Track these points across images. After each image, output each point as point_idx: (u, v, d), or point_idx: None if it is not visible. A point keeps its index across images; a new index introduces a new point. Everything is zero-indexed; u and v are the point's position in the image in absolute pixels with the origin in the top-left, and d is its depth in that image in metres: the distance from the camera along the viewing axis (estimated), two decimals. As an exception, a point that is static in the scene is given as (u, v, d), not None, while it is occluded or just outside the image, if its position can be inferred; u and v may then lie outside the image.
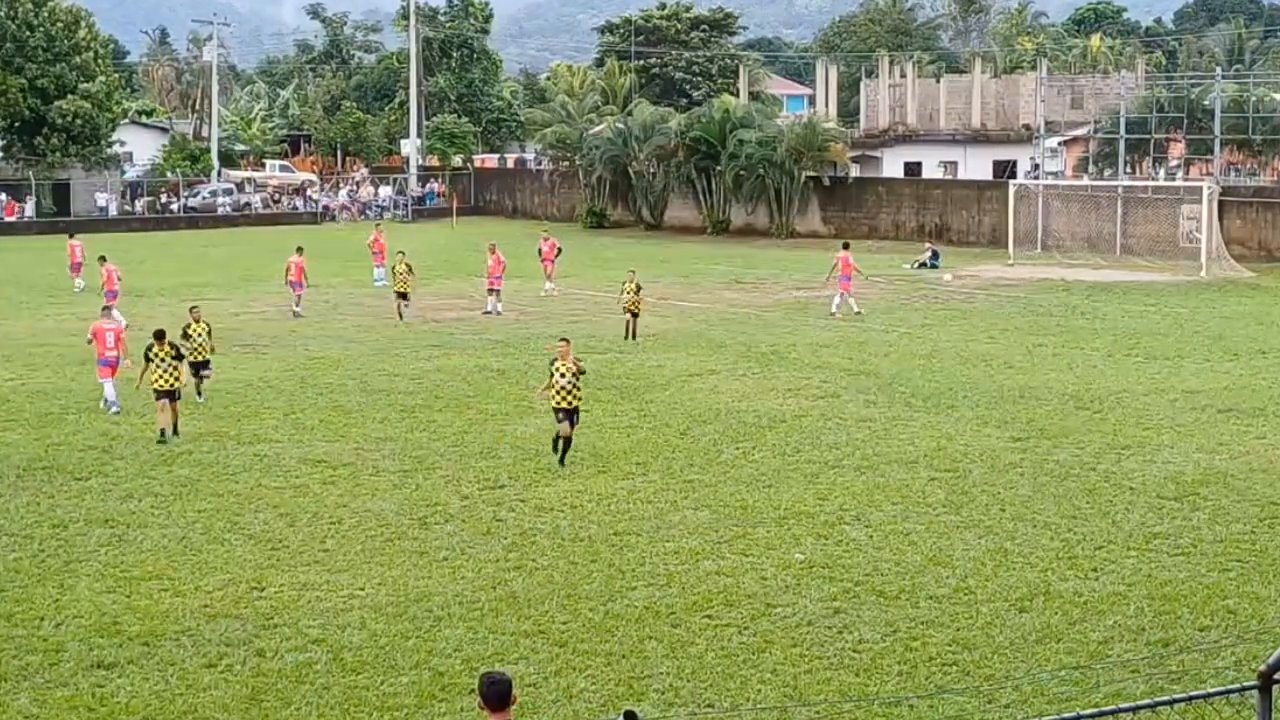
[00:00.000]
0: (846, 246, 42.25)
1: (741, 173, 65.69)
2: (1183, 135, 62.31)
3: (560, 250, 44.95)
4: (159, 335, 24.00)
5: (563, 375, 21.13)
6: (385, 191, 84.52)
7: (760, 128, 66.11)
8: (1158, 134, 62.49)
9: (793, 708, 12.62)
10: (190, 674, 13.43)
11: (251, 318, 38.73)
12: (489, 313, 39.10)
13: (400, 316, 37.21)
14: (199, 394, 26.17)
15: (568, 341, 22.22)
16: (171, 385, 23.44)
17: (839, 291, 39.18)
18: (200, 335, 26.40)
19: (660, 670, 13.46)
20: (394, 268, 38.83)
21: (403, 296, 37.81)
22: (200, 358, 26.21)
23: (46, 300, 42.17)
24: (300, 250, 41.15)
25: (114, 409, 25.21)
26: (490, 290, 39.75)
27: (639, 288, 34.31)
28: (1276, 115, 62.64)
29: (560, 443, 21.31)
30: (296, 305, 39.61)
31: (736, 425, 24.11)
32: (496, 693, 8.29)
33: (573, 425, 21.32)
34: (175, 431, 23.40)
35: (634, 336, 33.67)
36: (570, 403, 21.24)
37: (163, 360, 23.49)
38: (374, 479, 20.66)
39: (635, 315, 34.18)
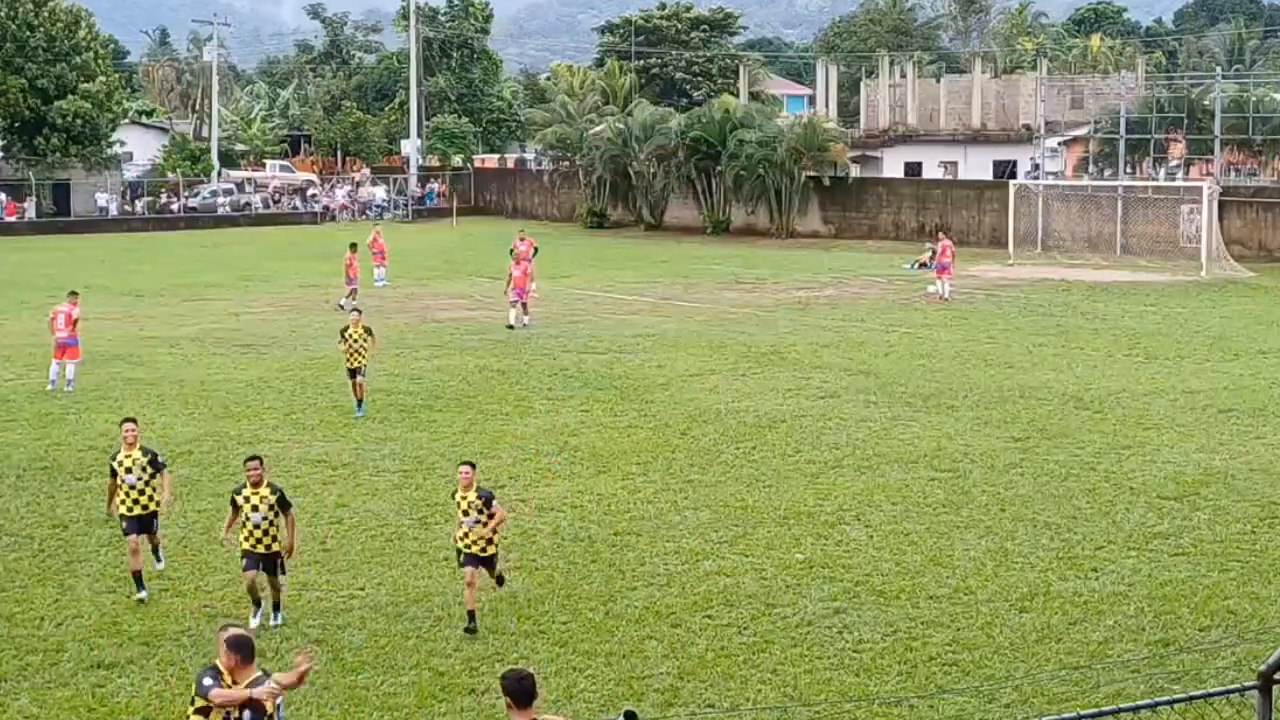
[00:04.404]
0: (946, 232, 43.21)
1: (741, 173, 65.67)
2: (1183, 135, 62.32)
3: (537, 249, 44.83)
4: None
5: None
6: (379, 191, 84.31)
7: (760, 128, 66.09)
8: (1158, 134, 62.48)
9: (793, 708, 12.62)
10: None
11: (251, 318, 38.73)
12: (512, 327, 35.67)
13: (359, 404, 25.39)
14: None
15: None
16: None
17: (939, 278, 41.60)
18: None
19: (660, 670, 13.46)
20: (345, 331, 25.85)
21: (354, 374, 25.55)
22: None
23: (47, 300, 42.09)
24: (354, 247, 41.69)
25: (67, 388, 26.90)
26: (514, 302, 36.31)
27: (493, 518, 14.66)
28: (1276, 115, 62.64)
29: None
30: (343, 299, 39.94)
31: (736, 425, 24.11)
32: (525, 689, 8.32)
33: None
34: None
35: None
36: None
37: None
38: (374, 479, 20.66)
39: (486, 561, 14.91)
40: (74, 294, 29.38)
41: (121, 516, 15.86)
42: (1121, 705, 8.09)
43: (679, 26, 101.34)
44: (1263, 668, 7.01)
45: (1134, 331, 35.06)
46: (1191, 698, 7.46)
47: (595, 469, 21.15)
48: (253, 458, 15.19)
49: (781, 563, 16.59)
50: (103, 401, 26.25)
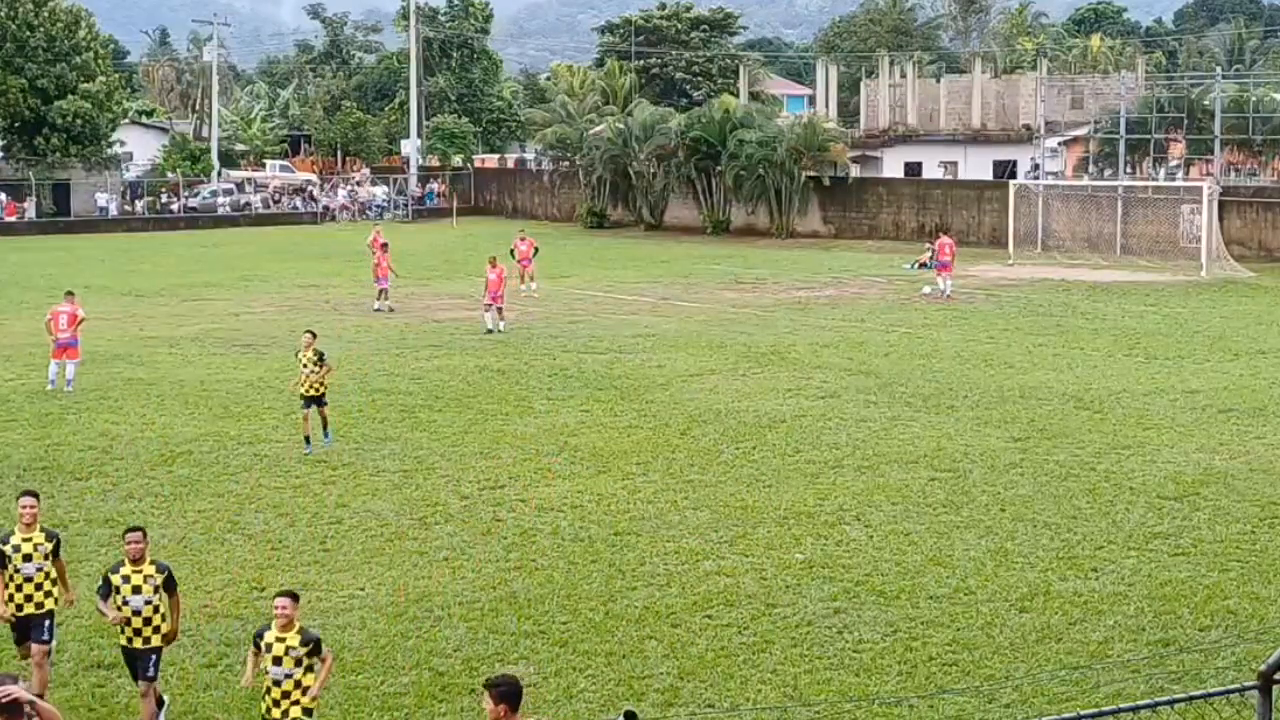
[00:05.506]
0: (946, 232, 43.52)
1: (741, 173, 65.68)
2: (1183, 135, 62.34)
3: (538, 250, 44.79)
4: None
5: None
6: (378, 191, 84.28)
7: (760, 128, 66.09)
8: (1158, 134, 62.49)
9: (793, 708, 12.62)
10: (190, 674, 13.42)
11: (251, 318, 38.73)
12: (490, 332, 35.06)
13: (316, 435, 22.55)
14: None
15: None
16: None
17: (940, 275, 42.50)
18: None
19: (660, 670, 13.46)
20: (297, 354, 23.49)
21: (314, 402, 22.51)
22: None
23: (47, 300, 42.05)
24: (385, 247, 41.83)
25: (67, 388, 27.08)
26: (488, 306, 35.77)
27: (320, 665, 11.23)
28: (1276, 115, 62.66)
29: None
30: (377, 302, 39.92)
31: (736, 425, 24.10)
32: (519, 691, 8.58)
33: None
34: None
35: None
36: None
37: None
38: (374, 479, 20.65)
39: None
40: (70, 293, 29.40)
41: (13, 618, 12.54)
42: (1121, 705, 8.10)
43: (679, 26, 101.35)
44: (1263, 668, 7.01)
45: (1134, 331, 35.06)
46: (1191, 698, 7.46)
47: (595, 469, 21.15)
48: (133, 529, 12.20)
49: (781, 563, 16.58)
50: (103, 401, 26.26)
